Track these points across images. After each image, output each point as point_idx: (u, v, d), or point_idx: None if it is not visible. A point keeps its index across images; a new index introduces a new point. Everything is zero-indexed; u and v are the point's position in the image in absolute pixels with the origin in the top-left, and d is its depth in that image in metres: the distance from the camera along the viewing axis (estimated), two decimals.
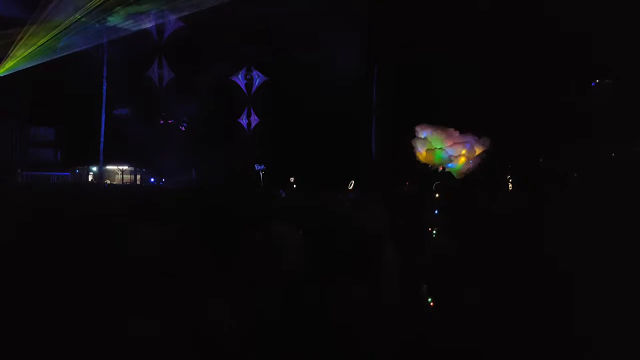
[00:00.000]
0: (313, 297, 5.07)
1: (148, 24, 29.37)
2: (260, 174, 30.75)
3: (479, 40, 25.78)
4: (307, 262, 6.03)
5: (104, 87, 31.02)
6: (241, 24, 28.39)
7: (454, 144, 27.45)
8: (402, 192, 20.29)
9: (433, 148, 27.61)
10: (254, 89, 32.08)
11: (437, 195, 17.25)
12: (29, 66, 27.29)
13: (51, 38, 26.92)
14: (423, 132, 28.08)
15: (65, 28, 26.92)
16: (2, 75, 27.15)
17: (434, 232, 9.42)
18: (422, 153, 27.98)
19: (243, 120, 32.44)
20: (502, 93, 25.21)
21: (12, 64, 26.70)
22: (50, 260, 5.54)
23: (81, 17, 26.40)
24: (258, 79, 31.82)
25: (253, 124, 32.58)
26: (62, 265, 5.42)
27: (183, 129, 32.66)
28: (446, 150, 27.41)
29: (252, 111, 32.40)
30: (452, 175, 25.92)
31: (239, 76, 31.83)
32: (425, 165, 27.64)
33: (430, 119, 28.13)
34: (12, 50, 26.61)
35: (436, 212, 11.81)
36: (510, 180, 23.48)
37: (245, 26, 28.74)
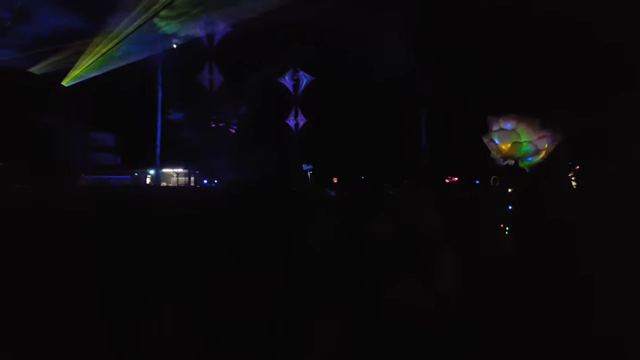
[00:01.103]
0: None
1: (199, 32, 30.39)
2: (308, 173, 31.18)
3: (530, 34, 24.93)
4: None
5: (159, 93, 32.41)
6: (287, 26, 28.80)
7: (541, 137, 25.10)
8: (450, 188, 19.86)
9: (520, 141, 25.19)
10: (300, 89, 32.49)
11: (508, 190, 16.11)
12: (91, 76, 28.91)
13: (110, 48, 28.51)
14: (506, 124, 25.56)
15: (123, 38, 28.43)
16: (67, 85, 28.87)
17: (506, 229, 8.91)
18: (502, 146, 25.51)
19: (291, 121, 32.92)
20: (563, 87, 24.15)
21: (76, 74, 28.40)
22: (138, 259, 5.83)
23: (138, 28, 27.73)
24: (305, 79, 32.21)
25: (300, 125, 33.02)
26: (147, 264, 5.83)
27: (233, 131, 33.51)
28: (534, 143, 25.07)
29: (299, 112, 32.84)
30: (525, 171, 24.34)
31: (286, 77, 32.34)
32: (497, 158, 25.57)
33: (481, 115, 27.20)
34: (76, 62, 28.34)
35: (510, 207, 10.90)
36: (576, 177, 21.71)
37: (291, 28, 29.14)
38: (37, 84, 28.30)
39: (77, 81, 28.87)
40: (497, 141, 25.51)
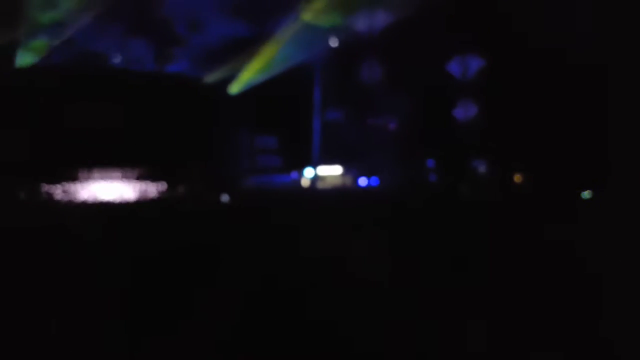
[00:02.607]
0: None
1: (359, 26, 29.59)
2: (480, 168, 28.35)
3: None
4: None
5: (317, 93, 32.40)
6: (451, 11, 26.52)
7: None
8: None
9: None
10: (469, 75, 29.50)
11: None
12: (255, 82, 29.89)
13: (272, 53, 29.19)
14: None
15: (284, 42, 28.86)
16: (234, 92, 30.20)
17: None
18: None
19: (458, 112, 30.15)
20: None
21: (242, 80, 29.58)
22: None
23: (298, 30, 27.90)
24: (475, 64, 29.11)
25: (470, 115, 29.99)
26: None
27: (393, 127, 32.09)
28: None
29: (468, 101, 29.85)
30: None
31: (453, 64, 29.64)
32: None
33: None
34: (242, 69, 29.53)
35: None
36: None
37: (455, 12, 26.74)
38: (209, 91, 30.00)
39: (243, 87, 30.03)
40: None
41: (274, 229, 9.89)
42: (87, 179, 21.25)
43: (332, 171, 41.51)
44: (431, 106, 29.10)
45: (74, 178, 21.18)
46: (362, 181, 36.40)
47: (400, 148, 29.50)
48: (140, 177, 22.25)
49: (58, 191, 20.22)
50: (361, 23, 29.78)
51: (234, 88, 30.14)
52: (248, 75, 29.38)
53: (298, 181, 39.76)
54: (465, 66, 29.22)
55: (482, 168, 28.13)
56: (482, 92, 28.56)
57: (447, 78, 30.02)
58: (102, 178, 21.37)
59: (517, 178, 24.79)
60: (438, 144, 27.64)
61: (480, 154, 28.27)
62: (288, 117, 34.64)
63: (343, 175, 41.23)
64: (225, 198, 22.09)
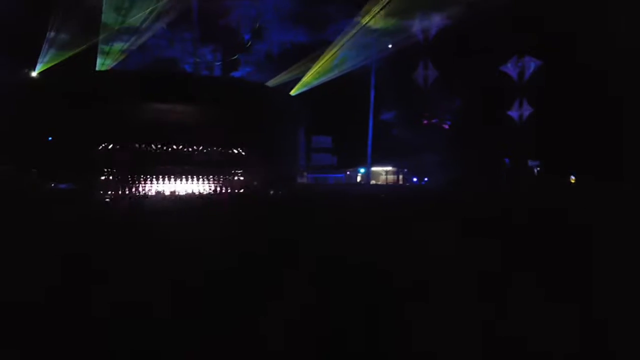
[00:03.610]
0: None
1: (414, 28, 30.08)
2: (535, 170, 28.17)
3: None
4: None
5: (372, 94, 33.29)
6: (509, 12, 26.45)
7: None
8: None
9: None
10: (526, 76, 29.47)
11: None
12: (314, 84, 31.23)
13: (330, 56, 30.35)
14: None
15: (342, 46, 29.96)
16: (294, 94, 31.67)
17: None
18: None
19: (514, 112, 30.16)
20: None
21: (302, 82, 31.00)
22: None
23: (354, 34, 28.85)
24: (532, 65, 29.07)
25: (525, 115, 29.97)
26: None
27: (447, 127, 32.35)
28: None
29: (524, 101, 29.84)
30: None
31: (509, 65, 29.68)
32: None
33: None
34: (301, 73, 30.95)
35: None
36: None
37: (513, 14, 26.66)
38: (271, 94, 31.52)
39: (302, 90, 31.41)
40: None
41: (335, 223, 10.33)
42: (161, 172, 23.27)
43: (385, 170, 42.28)
44: (486, 107, 29.18)
45: (150, 172, 23.26)
46: (415, 180, 36.94)
47: (454, 148, 29.63)
48: (206, 172, 24.02)
49: (138, 184, 22.35)
50: (417, 26, 30.31)
51: (295, 90, 31.54)
52: (308, 78, 30.71)
53: (350, 178, 40.89)
54: (523, 67, 29.15)
55: (537, 169, 27.94)
56: (539, 93, 28.35)
57: (502, 79, 30.05)
58: (172, 172, 23.32)
59: (573, 180, 24.42)
60: (492, 144, 27.53)
61: (536, 155, 28.06)
62: (344, 118, 35.78)
63: (396, 173, 41.92)
64: (283, 193, 23.55)
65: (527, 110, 29.71)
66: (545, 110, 28.60)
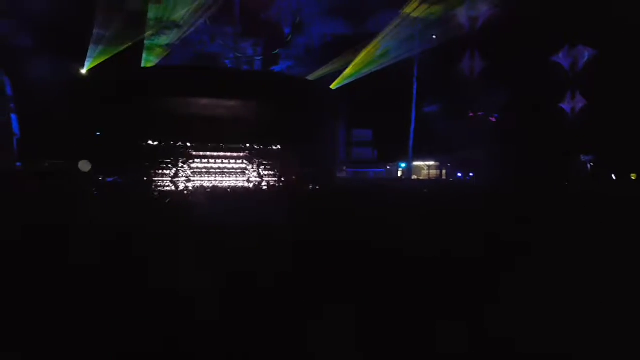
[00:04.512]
0: None
1: (460, 18, 29.06)
2: (587, 165, 26.66)
3: None
4: None
5: (415, 87, 32.49)
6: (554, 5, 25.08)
7: None
8: None
9: None
10: (580, 66, 27.85)
11: None
12: (355, 77, 30.79)
13: (372, 49, 29.82)
14: None
15: (383, 38, 29.34)
16: (335, 87, 31.32)
17: None
18: None
19: (566, 105, 28.64)
20: None
21: (343, 76, 30.65)
22: None
23: (397, 26, 28.19)
24: (586, 54, 27.44)
25: (578, 108, 28.39)
26: None
27: (494, 120, 31.14)
28: None
29: (577, 93, 28.26)
30: None
31: (561, 55, 28.14)
32: None
33: None
34: (342, 66, 30.57)
35: None
36: None
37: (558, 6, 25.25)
38: (312, 88, 31.34)
39: (343, 83, 31.05)
40: None
41: (375, 218, 10.06)
42: (203, 161, 23.66)
43: (427, 164, 41.35)
44: (534, 101, 27.78)
45: (192, 161, 23.71)
46: (459, 175, 35.87)
47: (499, 143, 28.44)
48: (245, 163, 24.22)
49: (182, 173, 22.82)
50: (462, 17, 29.23)
51: (335, 84, 31.25)
52: (349, 71, 30.33)
53: (390, 173, 40.18)
54: (574, 59, 27.52)
55: (589, 164, 26.46)
56: (590, 86, 26.73)
57: (551, 72, 28.47)
58: (214, 161, 23.67)
59: (634, 176, 22.90)
60: (541, 138, 26.19)
61: (588, 150, 26.53)
62: (386, 110, 35.11)
63: (438, 168, 40.90)
64: (320, 187, 23.37)
65: (579, 103, 28.13)
66: (598, 102, 27.00)
